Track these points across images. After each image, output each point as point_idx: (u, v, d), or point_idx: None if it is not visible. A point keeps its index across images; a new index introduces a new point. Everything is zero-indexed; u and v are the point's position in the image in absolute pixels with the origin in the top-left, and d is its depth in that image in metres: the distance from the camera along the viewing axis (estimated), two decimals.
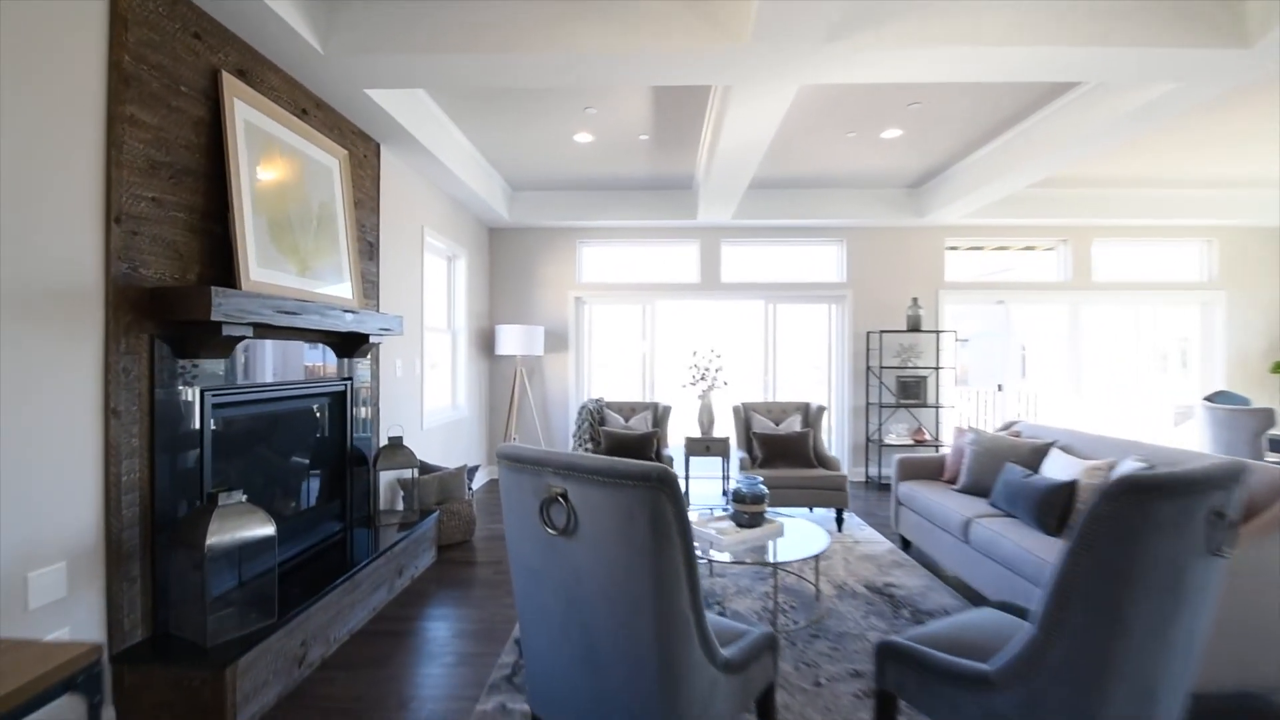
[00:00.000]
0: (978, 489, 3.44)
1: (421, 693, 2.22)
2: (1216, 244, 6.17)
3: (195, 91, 2.28)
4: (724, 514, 3.11)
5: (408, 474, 3.60)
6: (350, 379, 3.32)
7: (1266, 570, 2.00)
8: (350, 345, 3.23)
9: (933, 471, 3.88)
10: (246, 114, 2.50)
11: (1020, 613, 1.87)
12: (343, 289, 3.11)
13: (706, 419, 4.84)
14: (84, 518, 1.88)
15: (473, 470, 4.27)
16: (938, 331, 5.89)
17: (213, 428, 2.35)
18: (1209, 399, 5.44)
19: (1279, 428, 4.85)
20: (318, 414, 3.13)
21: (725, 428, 5.14)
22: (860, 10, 2.57)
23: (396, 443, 3.53)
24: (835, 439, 6.19)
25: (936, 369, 5.88)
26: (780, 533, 2.94)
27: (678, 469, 4.47)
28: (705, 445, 4.68)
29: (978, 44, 2.63)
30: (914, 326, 5.70)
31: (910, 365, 5.90)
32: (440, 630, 2.72)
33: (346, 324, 2.89)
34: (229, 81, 2.40)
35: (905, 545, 3.92)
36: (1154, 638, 1.29)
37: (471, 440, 5.68)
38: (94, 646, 1.13)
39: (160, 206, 2.12)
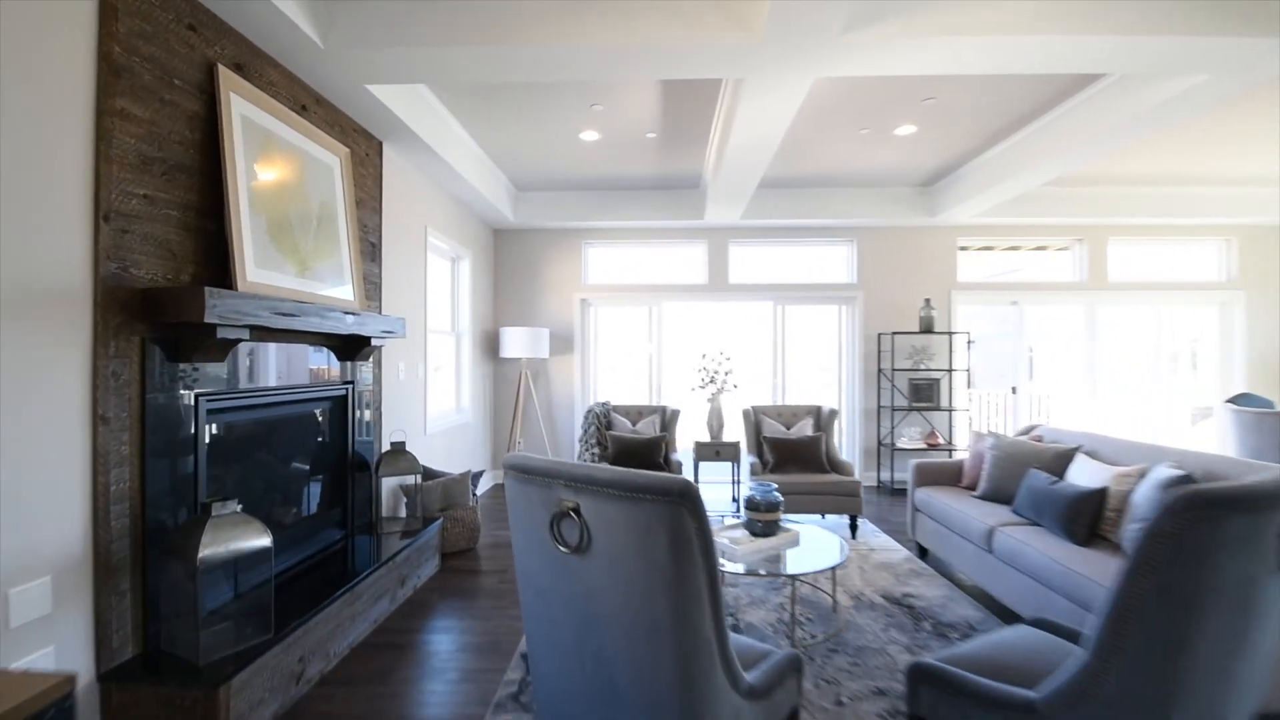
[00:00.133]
0: (999, 496, 3.32)
1: (424, 711, 2.12)
2: (1235, 243, 6.04)
3: (190, 85, 2.20)
4: (736, 521, 3.00)
5: (410, 480, 3.51)
6: (352, 383, 3.23)
7: None
8: (352, 348, 3.14)
9: (950, 477, 3.76)
10: (243, 109, 2.41)
11: (1059, 631, 1.76)
12: (344, 291, 3.02)
13: (716, 423, 4.73)
14: (70, 530, 1.79)
15: (477, 476, 4.17)
16: (950, 333, 5.77)
17: (208, 434, 2.26)
18: (1232, 401, 5.30)
19: None
20: (318, 419, 3.05)
21: (734, 432, 5.03)
22: None
23: (399, 448, 3.44)
24: (846, 443, 6.07)
25: (949, 371, 5.76)
26: (796, 542, 2.83)
27: (686, 473, 4.37)
28: (715, 450, 4.58)
29: (999, 34, 2.53)
30: (926, 328, 5.59)
31: (922, 367, 5.78)
32: (444, 643, 2.62)
33: (347, 326, 2.81)
34: (225, 75, 2.32)
35: (922, 553, 3.80)
36: (1222, 660, 1.18)
37: (476, 445, 5.59)
38: (65, 678, 1.03)
39: (152, 204, 2.03)
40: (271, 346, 2.61)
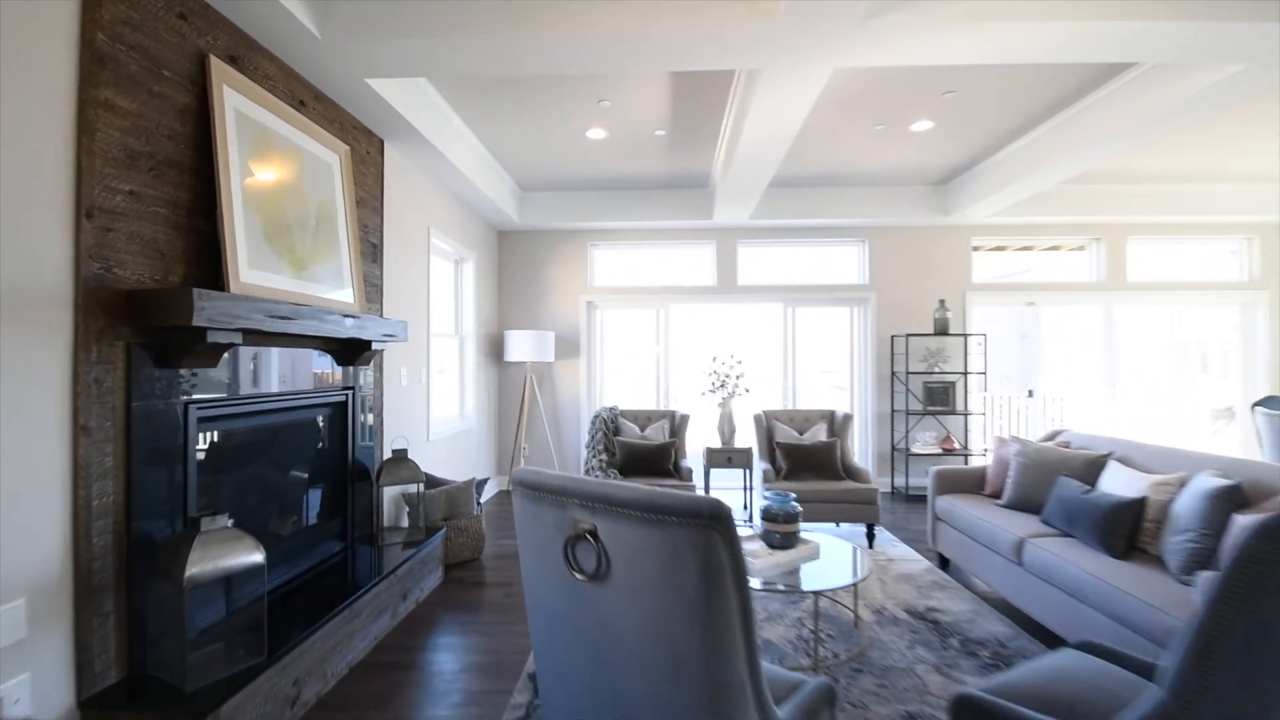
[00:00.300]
0: (1026, 505, 3.18)
1: None
2: (1257, 242, 5.88)
3: (180, 77, 2.09)
4: (752, 533, 2.87)
5: (413, 489, 3.39)
6: (352, 388, 3.12)
7: None
8: (352, 352, 3.03)
9: (973, 485, 3.62)
10: (237, 103, 2.30)
11: (1112, 656, 1.63)
12: (343, 293, 2.91)
13: (727, 428, 4.60)
14: (48, 547, 1.67)
15: (481, 483, 4.05)
16: (965, 335, 5.62)
17: (199, 444, 2.15)
18: (1260, 404, 5.13)
19: None
20: (317, 426, 2.93)
21: (746, 437, 4.90)
22: None
23: (401, 455, 3.32)
24: (859, 448, 5.92)
25: (964, 374, 5.61)
26: (816, 554, 2.70)
27: (696, 480, 4.23)
28: (727, 456, 4.44)
29: (1029, 19, 2.41)
30: (941, 330, 5.45)
31: (937, 370, 5.63)
32: (447, 663, 2.50)
33: (346, 330, 2.69)
34: (218, 67, 2.21)
35: (943, 564, 3.66)
36: None
37: (480, 451, 5.47)
38: None
39: (139, 201, 1.92)
40: (271, 351, 2.49)
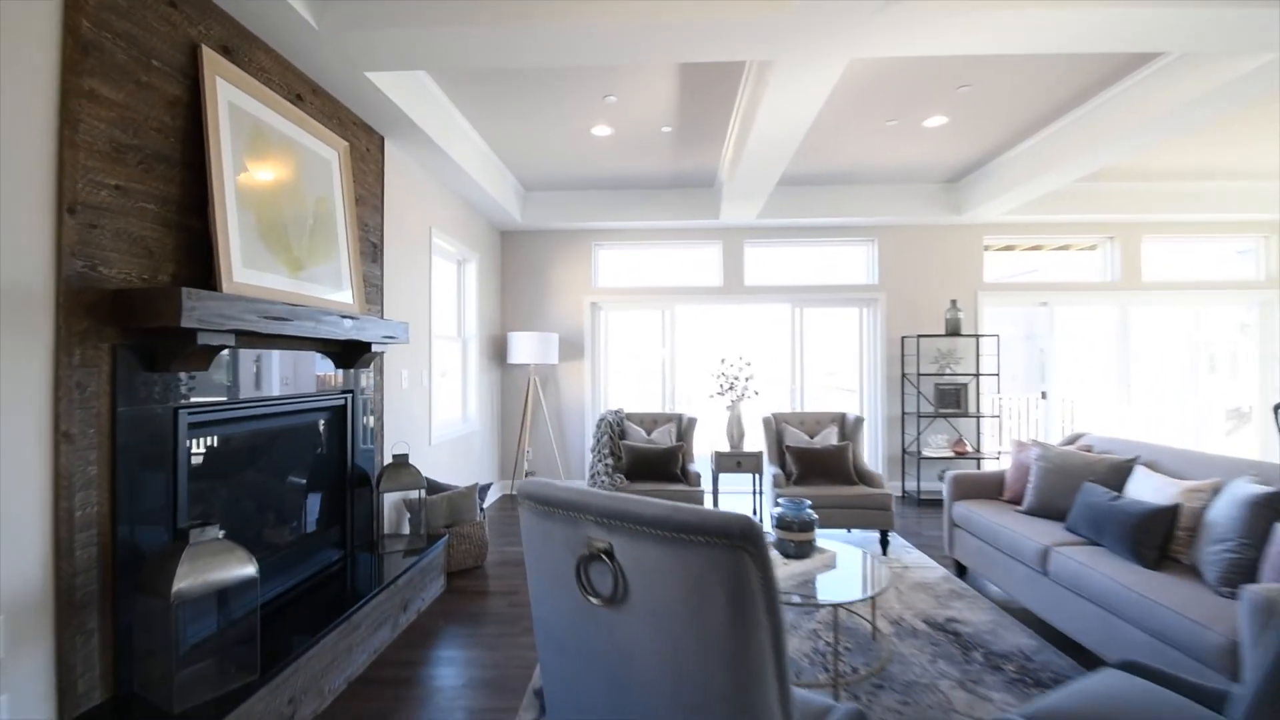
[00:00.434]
0: (1048, 511, 3.07)
1: None
2: (1275, 240, 5.76)
3: (170, 67, 2.00)
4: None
5: (414, 495, 3.29)
6: (351, 392, 3.03)
7: None
8: (351, 355, 2.93)
9: (991, 490, 3.51)
10: (231, 95, 2.21)
11: (1161, 679, 1.52)
12: (342, 293, 2.82)
13: (736, 431, 4.50)
14: (27, 562, 1.58)
15: (484, 489, 3.96)
16: (977, 336, 5.51)
17: (190, 450, 2.06)
18: None
19: None
20: (315, 431, 2.84)
21: (755, 441, 4.79)
22: None
23: (402, 460, 3.22)
24: (869, 451, 5.81)
25: (976, 375, 5.50)
26: (832, 564, 2.59)
27: (705, 485, 4.13)
28: (736, 461, 4.34)
29: (1053, 6, 2.31)
30: (953, 330, 5.34)
31: (949, 372, 5.52)
32: (449, 678, 2.40)
33: (345, 331, 2.60)
34: (210, 58, 2.12)
35: (960, 571, 3.55)
36: None
37: (483, 455, 5.37)
38: None
39: (126, 196, 1.83)
40: (273, 354, 2.40)
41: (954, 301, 5.40)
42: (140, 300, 1.75)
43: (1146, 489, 2.69)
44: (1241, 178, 5.13)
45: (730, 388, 4.63)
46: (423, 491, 3.27)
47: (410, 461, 3.48)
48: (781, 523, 2.62)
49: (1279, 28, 2.44)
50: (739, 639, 0.92)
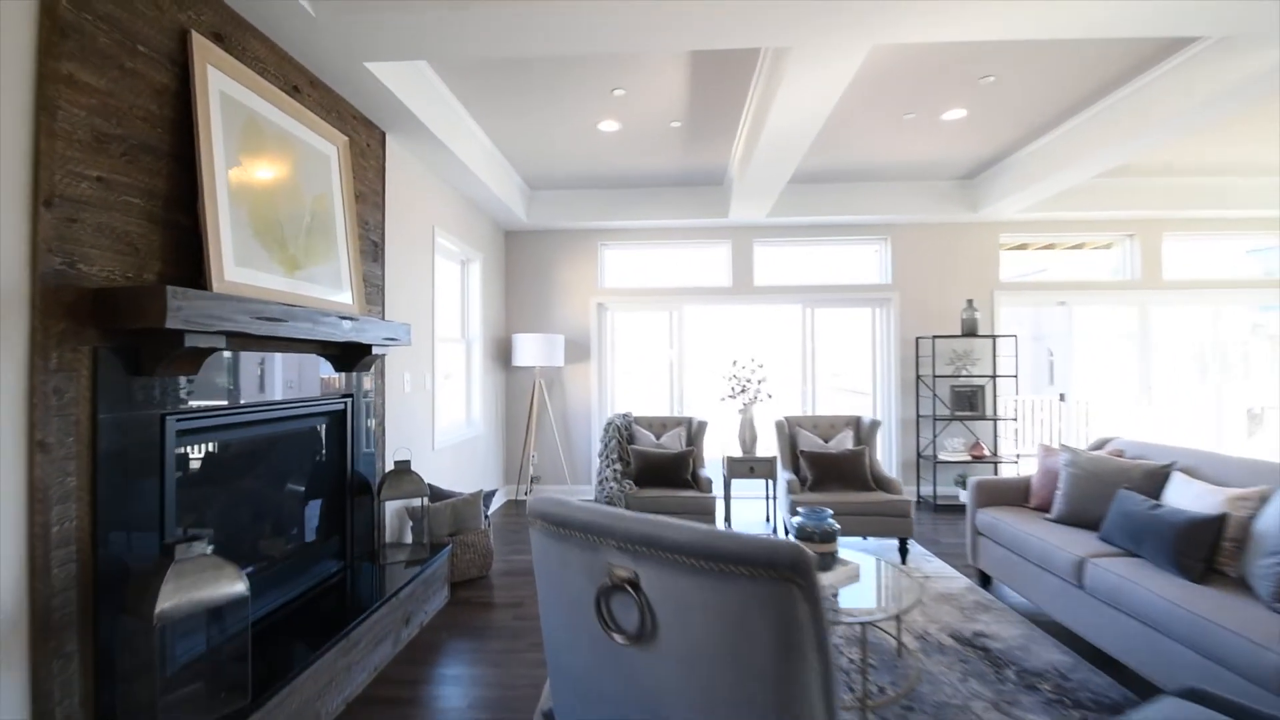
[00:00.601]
0: (1079, 520, 2.93)
1: None
2: None
3: (158, 54, 1.89)
4: None
5: (417, 503, 3.18)
6: (351, 396, 2.91)
7: None
8: (351, 357, 2.82)
9: (1017, 496, 3.37)
10: (223, 85, 2.11)
11: (1231, 710, 1.38)
12: (342, 294, 2.71)
13: (749, 436, 4.37)
14: (0, 581, 1.47)
15: (489, 495, 3.84)
16: (994, 336, 5.36)
17: (178, 459, 1.94)
18: None
19: None
20: (314, 437, 2.73)
21: (767, 445, 4.66)
22: None
23: (404, 467, 3.10)
24: (883, 455, 5.67)
25: (993, 377, 5.35)
26: (856, 576, 2.46)
27: (716, 491, 3.99)
28: (749, 466, 4.21)
29: None
30: (970, 331, 5.19)
31: (965, 374, 5.38)
32: (452, 697, 2.27)
33: (344, 333, 2.49)
34: (200, 44, 2.01)
35: (984, 581, 3.41)
36: None
37: (488, 460, 5.25)
38: None
39: (108, 189, 1.72)
40: (265, 357, 2.29)
41: (970, 301, 5.26)
42: (123, 300, 1.64)
43: (1186, 497, 2.55)
44: (1273, 173, 4.97)
45: (742, 390, 4.50)
46: (425, 499, 3.16)
47: (413, 467, 3.37)
48: (802, 533, 2.49)
49: None
50: (784, 683, 0.80)
